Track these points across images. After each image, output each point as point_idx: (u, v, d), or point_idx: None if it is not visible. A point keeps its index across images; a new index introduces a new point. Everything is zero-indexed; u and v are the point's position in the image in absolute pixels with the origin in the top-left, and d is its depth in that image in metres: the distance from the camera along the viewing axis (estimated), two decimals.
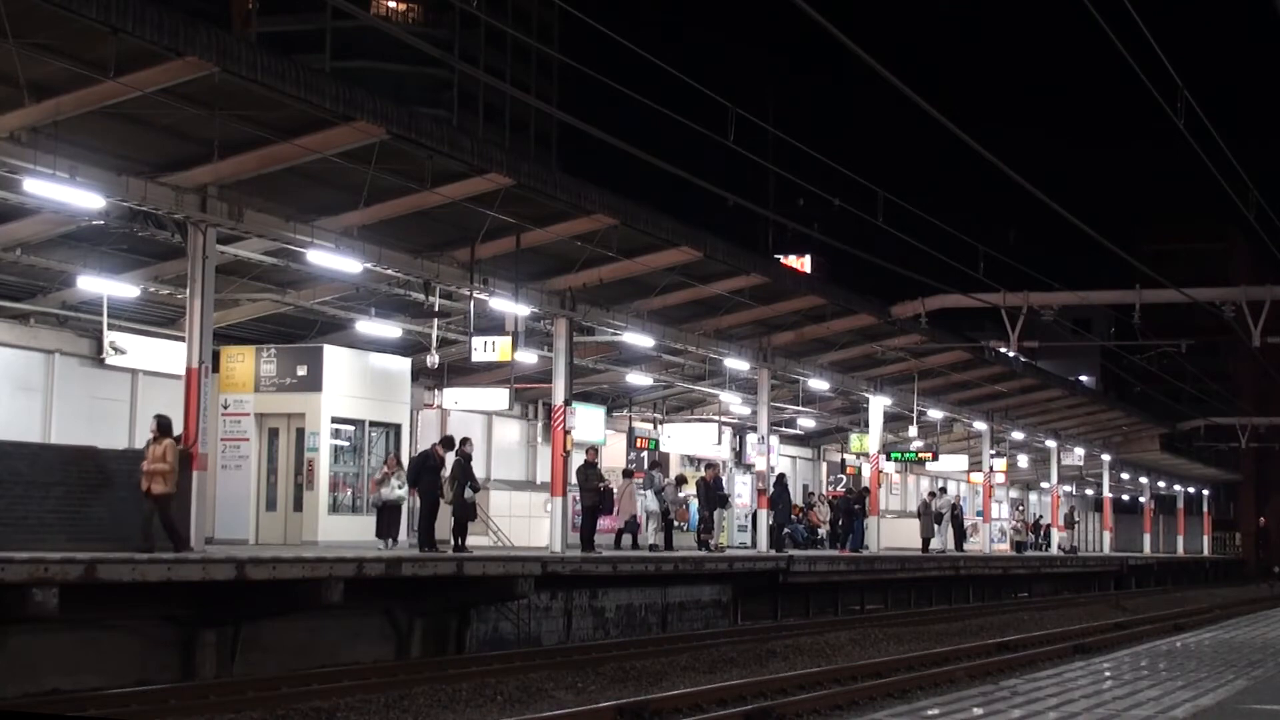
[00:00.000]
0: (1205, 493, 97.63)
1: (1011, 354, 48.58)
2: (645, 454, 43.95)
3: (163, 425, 22.41)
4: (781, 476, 42.99)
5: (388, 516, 28.92)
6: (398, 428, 32.88)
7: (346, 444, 31.23)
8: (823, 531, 48.59)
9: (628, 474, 37.56)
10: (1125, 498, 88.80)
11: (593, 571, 28.42)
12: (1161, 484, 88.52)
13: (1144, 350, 65.59)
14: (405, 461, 30.03)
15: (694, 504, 39.29)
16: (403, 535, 29.83)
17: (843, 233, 36.67)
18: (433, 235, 27.35)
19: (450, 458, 28.01)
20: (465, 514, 27.64)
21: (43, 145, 20.19)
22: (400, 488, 28.94)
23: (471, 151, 24.25)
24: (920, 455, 54.16)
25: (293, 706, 16.50)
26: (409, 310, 31.49)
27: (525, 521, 38.57)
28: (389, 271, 27.41)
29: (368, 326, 31.92)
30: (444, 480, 27.57)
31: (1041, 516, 73.10)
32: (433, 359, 32.00)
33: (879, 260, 33.08)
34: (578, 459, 32.97)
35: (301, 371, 30.65)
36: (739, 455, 47.69)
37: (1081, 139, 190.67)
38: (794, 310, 37.46)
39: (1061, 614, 39.12)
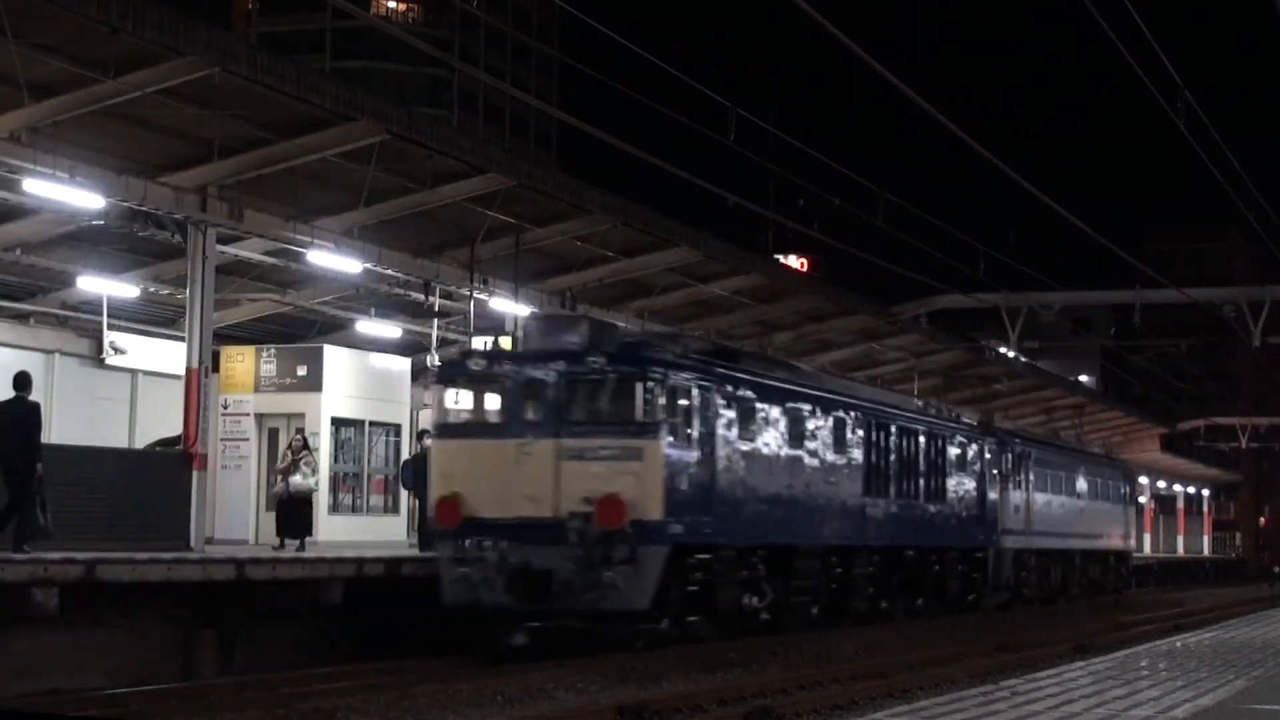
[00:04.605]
0: (1205, 493, 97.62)
1: (1011, 354, 48.60)
2: None
3: None
4: None
5: (295, 511, 26.21)
6: (398, 427, 32.90)
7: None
8: None
9: None
10: None
11: None
12: (1161, 484, 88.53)
13: (1144, 350, 65.64)
14: (403, 460, 30.00)
15: None
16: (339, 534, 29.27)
17: (843, 233, 36.73)
18: (433, 235, 27.37)
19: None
20: None
21: (43, 145, 20.20)
22: (311, 477, 26.68)
23: (471, 151, 24.28)
24: None
25: (293, 706, 16.47)
26: (409, 310, 31.50)
27: None
28: (389, 271, 27.42)
29: (368, 326, 31.93)
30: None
31: None
32: (433, 359, 31.99)
33: (879, 260, 33.12)
34: None
35: (301, 371, 30.63)
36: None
37: (1082, 139, 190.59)
38: (794, 310, 37.48)
39: (1061, 614, 39.11)
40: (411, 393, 34.13)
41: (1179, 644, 20.97)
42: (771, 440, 24.99)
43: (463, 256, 27.91)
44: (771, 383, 25.42)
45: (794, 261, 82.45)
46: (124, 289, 27.38)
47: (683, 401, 22.27)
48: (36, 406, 19.45)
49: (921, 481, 31.44)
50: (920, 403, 35.46)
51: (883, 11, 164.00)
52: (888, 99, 52.91)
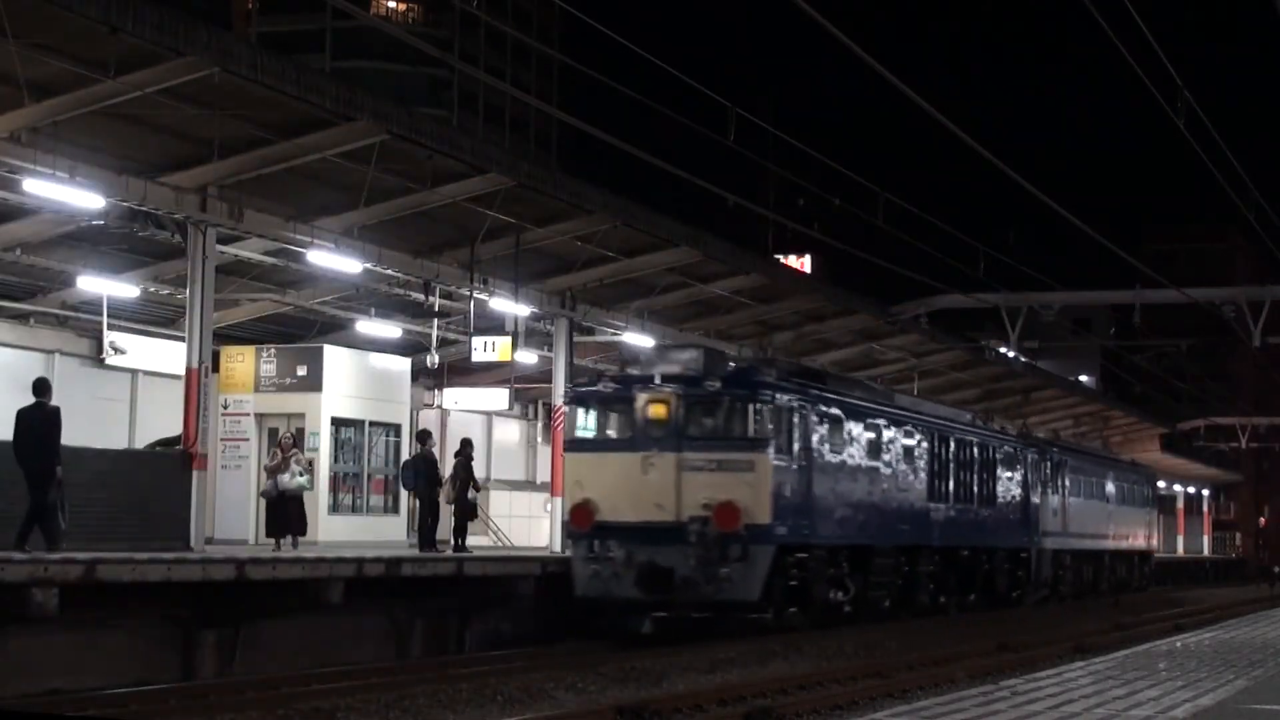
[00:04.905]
0: (1205, 493, 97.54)
1: (1011, 354, 48.58)
2: None
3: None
4: None
5: (286, 510, 25.94)
6: (398, 427, 32.90)
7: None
8: None
9: None
10: None
11: None
12: (1161, 484, 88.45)
13: (1144, 350, 65.59)
14: (403, 462, 29.98)
15: None
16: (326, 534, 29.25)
17: (843, 233, 36.72)
18: (433, 235, 27.36)
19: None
20: (466, 514, 27.63)
21: (43, 145, 20.19)
22: (301, 475, 26.41)
23: (471, 151, 24.26)
24: None
25: (293, 706, 16.48)
26: (409, 310, 31.50)
27: (525, 521, 38.57)
28: (389, 271, 27.41)
29: (368, 326, 31.93)
30: (444, 480, 27.57)
31: None
32: (433, 359, 32.00)
33: (879, 260, 33.10)
34: None
35: (301, 371, 30.65)
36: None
37: (1082, 139, 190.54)
38: (794, 310, 37.47)
39: (1061, 614, 39.11)
40: (411, 393, 34.13)
41: (1179, 644, 20.96)
42: (855, 452, 28.67)
43: (463, 256, 27.90)
44: (854, 401, 29.18)
45: (794, 261, 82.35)
46: (124, 289, 27.37)
47: (785, 419, 25.85)
48: (57, 411, 19.80)
49: (975, 488, 35.37)
50: (969, 415, 39.09)
51: (883, 11, 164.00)
52: (888, 99, 52.92)
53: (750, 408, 25.29)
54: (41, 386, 19.84)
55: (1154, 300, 42.35)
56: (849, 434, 28.33)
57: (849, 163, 26.55)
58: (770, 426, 25.38)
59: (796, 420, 26.16)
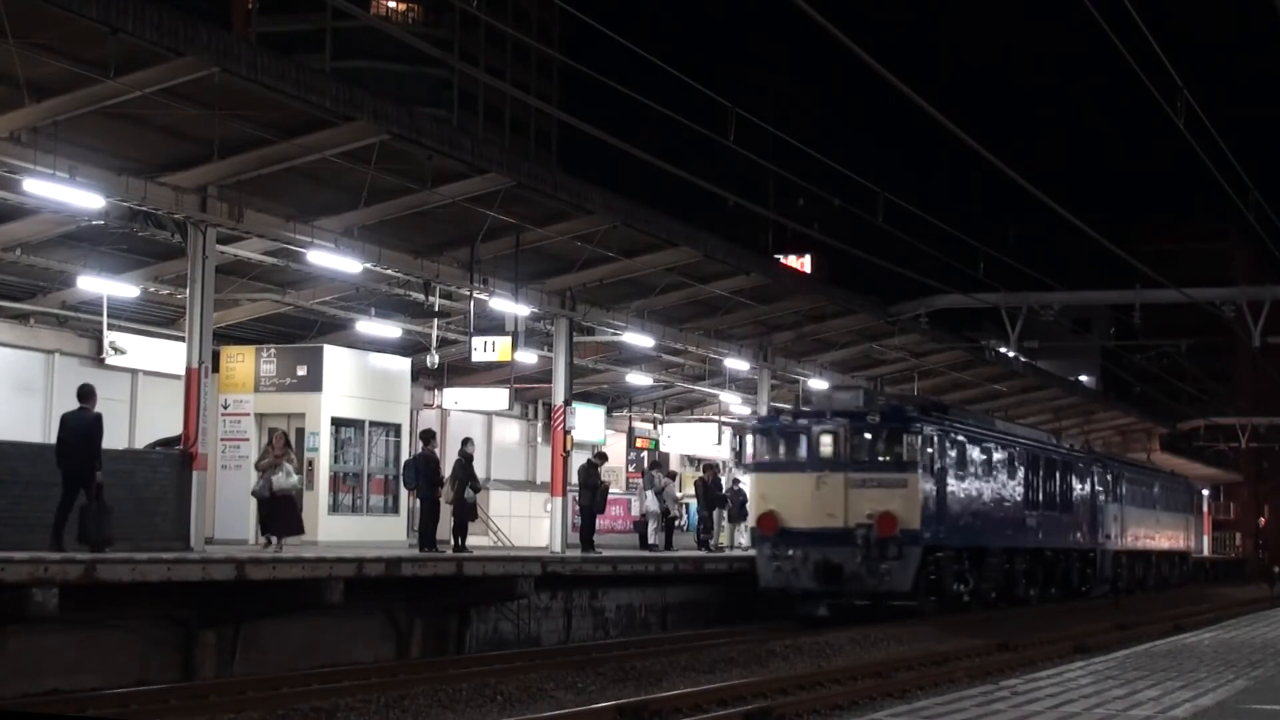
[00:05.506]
0: (1205, 493, 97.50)
1: (1011, 354, 48.57)
2: (645, 454, 43.87)
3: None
4: None
5: (279, 509, 25.67)
6: (398, 427, 32.88)
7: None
8: None
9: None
10: None
11: (593, 571, 28.42)
12: None
13: (1144, 350, 65.59)
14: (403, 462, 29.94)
15: (693, 504, 39.21)
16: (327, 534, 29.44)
17: (843, 233, 36.66)
18: (433, 235, 27.35)
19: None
20: (465, 514, 27.60)
21: (43, 145, 20.19)
22: (294, 475, 26.22)
23: (471, 151, 24.25)
24: None
25: (293, 706, 16.47)
26: (409, 310, 31.49)
27: (525, 521, 38.55)
28: (389, 271, 27.40)
29: (368, 326, 31.92)
30: (444, 480, 27.54)
31: None
32: (433, 359, 31.98)
33: (879, 260, 33.07)
34: (578, 459, 32.94)
35: (301, 371, 30.63)
36: (739, 455, 47.61)
37: (1081, 138, 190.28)
38: (794, 310, 37.46)
39: (1061, 614, 39.09)
40: (411, 393, 34.10)
41: (1179, 644, 20.94)
42: (974, 470, 34.00)
43: (463, 256, 27.89)
44: (971, 428, 34.73)
45: (794, 261, 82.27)
46: (124, 289, 27.37)
47: (927, 445, 31.34)
48: (98, 417, 20.24)
49: (1057, 498, 40.66)
50: (1047, 435, 45.03)
51: (883, 11, 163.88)
52: (888, 99, 52.89)
53: (904, 437, 30.91)
54: (84, 393, 20.42)
55: (1154, 300, 42.31)
56: (969, 456, 33.78)
57: (849, 163, 26.53)
58: (918, 451, 30.87)
59: (935, 445, 31.65)
